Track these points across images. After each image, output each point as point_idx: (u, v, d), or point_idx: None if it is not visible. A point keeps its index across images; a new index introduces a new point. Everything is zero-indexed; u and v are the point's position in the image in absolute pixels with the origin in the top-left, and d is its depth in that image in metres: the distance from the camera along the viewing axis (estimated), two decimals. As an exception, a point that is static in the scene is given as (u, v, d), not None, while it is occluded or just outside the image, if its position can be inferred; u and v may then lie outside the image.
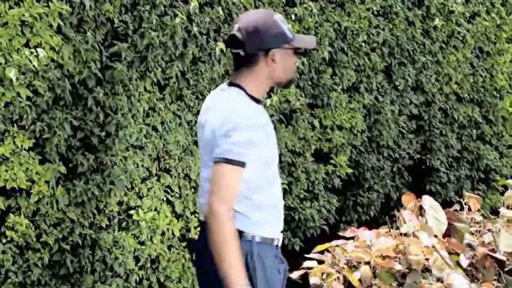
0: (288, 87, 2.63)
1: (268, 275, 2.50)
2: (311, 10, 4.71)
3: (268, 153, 2.50)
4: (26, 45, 3.07)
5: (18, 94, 3.04)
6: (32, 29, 3.04)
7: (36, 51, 3.03)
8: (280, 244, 2.59)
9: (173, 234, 3.85)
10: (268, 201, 2.53)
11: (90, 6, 3.26)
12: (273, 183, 2.54)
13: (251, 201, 2.48)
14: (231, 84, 2.54)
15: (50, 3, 3.07)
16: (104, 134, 3.45)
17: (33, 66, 3.01)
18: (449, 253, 4.21)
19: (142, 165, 3.68)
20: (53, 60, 3.15)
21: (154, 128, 3.77)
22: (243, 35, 2.48)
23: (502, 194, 6.54)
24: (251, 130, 2.39)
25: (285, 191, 4.65)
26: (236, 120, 2.40)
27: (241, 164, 2.38)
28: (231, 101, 2.49)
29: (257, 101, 2.52)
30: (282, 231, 2.61)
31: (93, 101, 3.35)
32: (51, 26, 3.10)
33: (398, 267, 3.91)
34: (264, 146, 2.47)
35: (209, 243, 2.38)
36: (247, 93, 2.50)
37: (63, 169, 3.27)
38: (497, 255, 4.33)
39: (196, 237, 3.95)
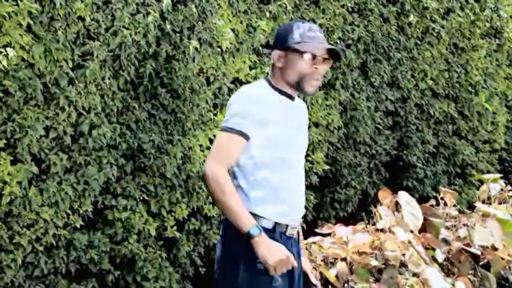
0: (308, 94, 2.72)
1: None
2: (286, 7, 4.71)
3: (277, 135, 2.63)
4: (-4, 44, 3.03)
5: (-11, 94, 3.01)
6: (1, 28, 3.00)
7: (6, 51, 2.99)
8: (285, 231, 2.68)
9: (149, 233, 3.83)
10: (271, 183, 2.64)
11: (61, 4, 3.22)
12: (280, 167, 2.66)
13: (253, 178, 2.64)
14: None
15: (19, 1, 3.03)
16: (77, 133, 3.43)
17: (3, 65, 2.97)
18: (425, 248, 4.25)
19: (117, 165, 3.66)
20: (23, 59, 3.12)
21: (129, 127, 3.75)
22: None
23: (478, 188, 6.60)
24: (250, 104, 2.60)
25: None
26: (239, 94, 2.67)
27: (238, 133, 2.58)
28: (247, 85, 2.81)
29: (280, 91, 2.70)
30: (294, 221, 2.73)
31: (65, 100, 3.31)
32: (20, 25, 3.06)
33: (374, 262, 3.94)
34: (273, 126, 2.62)
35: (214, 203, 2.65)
36: (270, 83, 2.72)
37: (35, 169, 3.23)
38: (472, 249, 4.37)
39: (172, 236, 3.94)
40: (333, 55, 2.69)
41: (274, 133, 2.63)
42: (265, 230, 2.58)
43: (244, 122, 2.58)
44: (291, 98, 2.74)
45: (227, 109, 2.66)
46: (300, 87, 2.68)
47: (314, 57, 2.64)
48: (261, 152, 2.63)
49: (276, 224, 2.65)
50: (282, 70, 2.68)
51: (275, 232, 2.65)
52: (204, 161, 4.09)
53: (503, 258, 4.45)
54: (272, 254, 2.51)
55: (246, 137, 2.59)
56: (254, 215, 2.59)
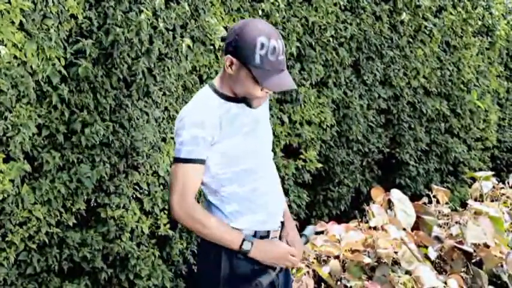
0: (253, 108, 2.59)
1: (234, 266, 2.55)
2: (278, 5, 4.71)
3: (232, 150, 2.52)
4: (-12, 42, 3.03)
5: (-19, 92, 3.00)
6: (-7, 26, 2.99)
7: (-2, 49, 2.98)
8: (267, 235, 2.61)
9: (142, 231, 3.83)
10: (241, 195, 2.56)
11: (53, 2, 3.21)
12: (246, 178, 2.56)
13: (220, 195, 2.56)
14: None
15: (11, -1, 3.02)
16: (69, 131, 3.42)
17: (-4, 63, 2.97)
18: (418, 246, 4.26)
19: (110, 163, 3.65)
20: (15, 57, 3.11)
21: (122, 125, 3.74)
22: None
23: (471, 186, 6.61)
24: (197, 128, 2.45)
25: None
26: (183, 119, 2.49)
27: (193, 161, 2.46)
28: (192, 98, 2.60)
29: (228, 98, 2.53)
30: (271, 225, 2.65)
31: (58, 98, 3.31)
32: (13, 22, 3.05)
33: (367, 260, 3.94)
34: (225, 142, 2.50)
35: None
36: (215, 90, 2.55)
37: (28, 167, 3.23)
38: (464, 247, 4.38)
39: (165, 234, 3.94)
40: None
41: (228, 149, 2.52)
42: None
43: (195, 148, 2.45)
44: (239, 101, 2.55)
45: (175, 136, 2.51)
46: (246, 101, 2.53)
47: None
48: (221, 169, 2.53)
49: (256, 232, 2.59)
50: (232, 79, 2.50)
51: (255, 237, 2.60)
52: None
53: (495, 256, 4.46)
54: (269, 254, 2.56)
55: (202, 162, 2.48)
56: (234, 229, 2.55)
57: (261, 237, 2.58)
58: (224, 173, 2.53)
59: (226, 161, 2.52)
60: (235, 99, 2.54)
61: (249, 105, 2.54)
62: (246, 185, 2.56)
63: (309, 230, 2.94)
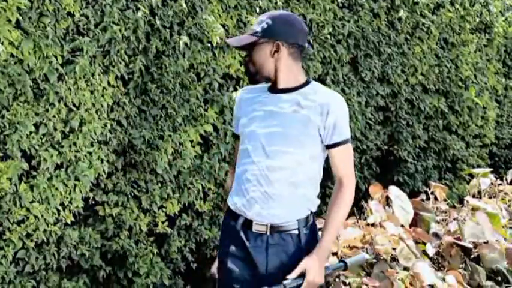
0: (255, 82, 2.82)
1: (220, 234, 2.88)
2: (276, 2, 4.71)
3: (240, 128, 2.84)
4: (-15, 40, 3.02)
5: (-22, 90, 3.00)
6: (-10, 24, 2.99)
7: (-5, 47, 2.98)
8: (250, 226, 2.72)
9: (140, 229, 3.84)
10: (237, 173, 2.80)
11: (50, 0, 3.21)
12: (241, 159, 2.79)
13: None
14: None
15: (8, -3, 3.02)
16: (67, 129, 3.42)
17: (-8, 61, 2.97)
18: (416, 242, 4.27)
19: (108, 161, 3.66)
20: (12, 55, 3.11)
21: (119, 123, 3.74)
22: None
23: (469, 183, 6.63)
24: (234, 107, 2.93)
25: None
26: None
27: (233, 135, 2.98)
28: None
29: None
30: (244, 204, 2.74)
31: (55, 96, 3.31)
32: (9, 21, 3.05)
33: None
34: (240, 119, 2.85)
35: None
36: None
37: (25, 165, 3.23)
38: (463, 243, 4.39)
39: (163, 231, 3.95)
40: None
41: (239, 127, 2.84)
42: (227, 213, 2.82)
43: (233, 123, 2.96)
44: (273, 90, 2.77)
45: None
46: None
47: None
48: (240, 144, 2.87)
49: (239, 215, 2.75)
50: None
51: (237, 222, 2.75)
52: (195, 156, 4.10)
53: (494, 251, 4.47)
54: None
55: (236, 135, 2.96)
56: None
57: (244, 224, 2.73)
58: (239, 150, 2.84)
59: (240, 138, 2.83)
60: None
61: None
62: (240, 166, 2.79)
63: (355, 259, 2.93)
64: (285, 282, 2.54)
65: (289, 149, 2.68)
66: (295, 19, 2.74)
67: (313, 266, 2.59)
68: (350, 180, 2.72)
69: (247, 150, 2.74)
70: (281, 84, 2.73)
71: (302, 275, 2.58)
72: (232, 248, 2.75)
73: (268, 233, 2.69)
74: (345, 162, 2.72)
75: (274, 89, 2.76)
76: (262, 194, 2.69)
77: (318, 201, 2.83)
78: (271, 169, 2.68)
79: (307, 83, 2.75)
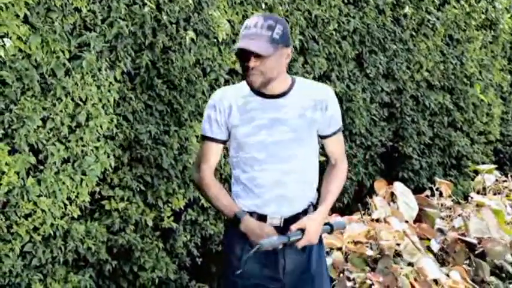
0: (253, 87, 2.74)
1: (229, 241, 2.88)
2: (281, -1, 4.72)
3: (240, 137, 2.75)
4: (-8, 35, 3.04)
5: (-14, 85, 3.02)
6: (-3, 19, 3.01)
7: (3, 42, 2.99)
8: (264, 220, 2.76)
9: (146, 224, 3.86)
10: (241, 180, 2.79)
11: (57, -5, 3.23)
12: (251, 165, 2.75)
13: (233, 175, 2.86)
14: None
15: (16, -8, 3.04)
16: (74, 124, 3.44)
17: (0, 56, 2.99)
18: (420, 238, 4.28)
19: (114, 155, 3.67)
20: (20, 50, 3.12)
21: (125, 118, 3.76)
22: None
23: (473, 179, 6.63)
24: (210, 109, 2.79)
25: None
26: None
27: (204, 138, 2.81)
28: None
29: (253, 91, 2.74)
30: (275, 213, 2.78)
31: (62, 91, 3.32)
32: (17, 15, 3.07)
33: (370, 252, 3.97)
34: (239, 127, 2.75)
35: None
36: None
37: (33, 160, 3.25)
38: (467, 238, 4.40)
39: (168, 226, 3.97)
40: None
41: (236, 132, 2.75)
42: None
43: (207, 127, 2.81)
44: (264, 95, 2.73)
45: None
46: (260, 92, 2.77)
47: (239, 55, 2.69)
48: (232, 151, 2.82)
49: (253, 212, 2.77)
50: None
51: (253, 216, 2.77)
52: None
53: (499, 247, 4.48)
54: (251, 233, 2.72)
55: (210, 139, 2.82)
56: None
57: (259, 219, 2.75)
58: (234, 155, 2.81)
59: (236, 144, 2.77)
60: (260, 93, 2.74)
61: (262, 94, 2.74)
62: (246, 173, 2.77)
63: (338, 222, 3.01)
64: (289, 233, 2.71)
65: (300, 152, 2.77)
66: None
67: (312, 226, 2.72)
68: (344, 160, 2.99)
69: (255, 158, 2.73)
70: (278, 89, 2.74)
71: (301, 230, 2.72)
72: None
73: (281, 225, 2.76)
74: (339, 146, 2.96)
75: (265, 93, 2.73)
76: (276, 197, 2.75)
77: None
78: (285, 173, 2.74)
79: (293, 81, 2.79)
